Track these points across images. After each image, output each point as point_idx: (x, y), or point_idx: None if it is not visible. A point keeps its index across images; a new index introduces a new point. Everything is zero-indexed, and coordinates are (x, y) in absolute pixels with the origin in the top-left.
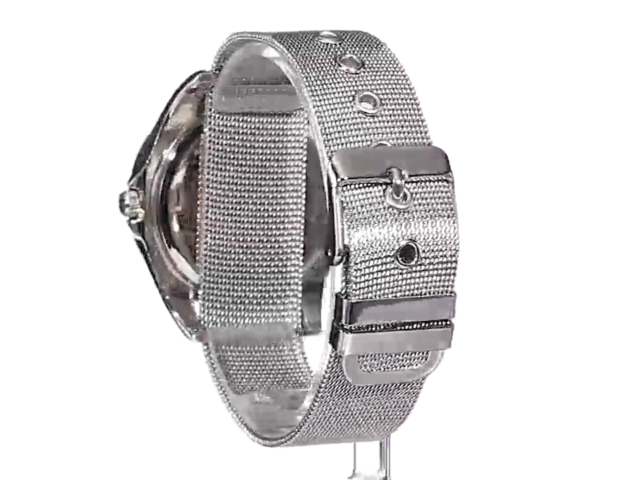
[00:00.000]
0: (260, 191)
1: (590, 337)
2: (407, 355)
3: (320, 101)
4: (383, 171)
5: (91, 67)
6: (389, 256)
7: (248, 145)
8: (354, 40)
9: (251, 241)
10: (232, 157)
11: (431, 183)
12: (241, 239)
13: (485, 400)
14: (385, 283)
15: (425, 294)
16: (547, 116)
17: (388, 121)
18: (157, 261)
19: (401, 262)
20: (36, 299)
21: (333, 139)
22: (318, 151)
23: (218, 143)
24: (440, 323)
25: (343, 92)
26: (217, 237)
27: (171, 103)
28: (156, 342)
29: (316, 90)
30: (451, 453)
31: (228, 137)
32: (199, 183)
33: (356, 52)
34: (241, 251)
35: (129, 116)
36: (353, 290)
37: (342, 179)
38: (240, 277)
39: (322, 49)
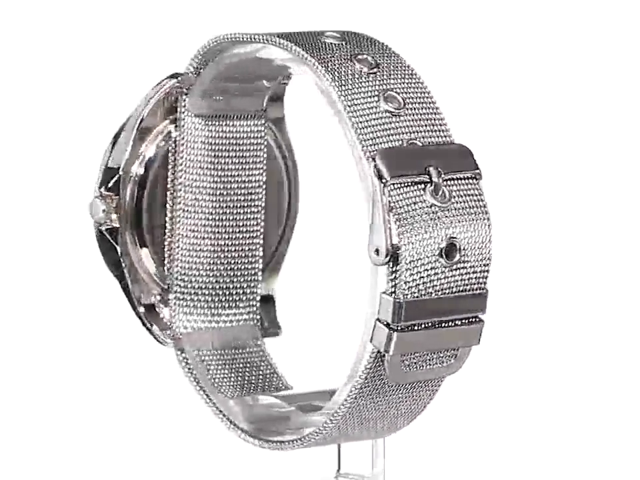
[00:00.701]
0: (232, 194)
1: (589, 337)
2: (441, 352)
3: (349, 101)
4: (422, 169)
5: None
6: (434, 255)
7: (222, 148)
8: (358, 40)
9: (224, 244)
10: (207, 160)
11: (464, 181)
12: (215, 243)
13: (480, 400)
14: (430, 281)
15: (464, 291)
16: (546, 114)
17: (413, 120)
18: (129, 267)
19: (445, 260)
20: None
21: (368, 140)
22: (352, 152)
23: (193, 147)
24: (474, 319)
25: (368, 92)
26: (192, 241)
27: (147, 104)
28: (130, 350)
29: (343, 90)
30: (446, 452)
31: (203, 140)
32: (170, 186)
33: (368, 52)
34: (214, 255)
35: (90, 120)
36: (402, 289)
37: (387, 180)
38: (210, 280)
39: (333, 49)
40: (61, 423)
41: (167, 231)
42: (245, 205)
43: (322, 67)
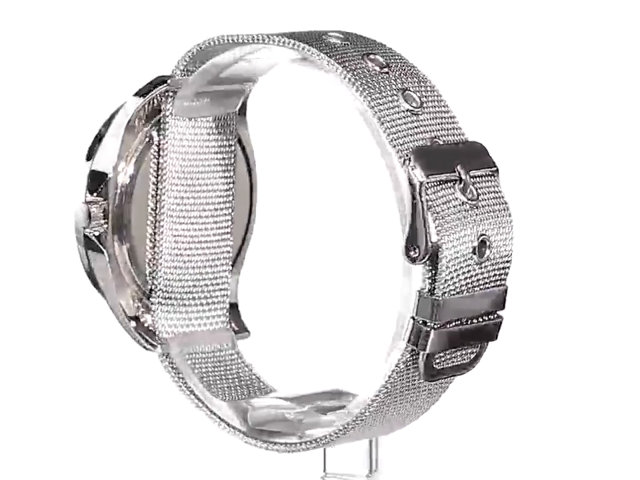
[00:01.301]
0: (212, 198)
1: (589, 338)
2: (467, 348)
3: (374, 100)
4: (450, 168)
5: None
6: (469, 252)
7: (203, 150)
8: (362, 41)
9: (204, 247)
10: (190, 163)
11: (487, 178)
12: (197, 247)
13: (476, 399)
14: (465, 279)
15: (489, 288)
16: (540, 109)
17: (432, 119)
18: (117, 274)
19: (477, 257)
20: None
21: (398, 139)
22: (382, 151)
23: (176, 151)
24: (495, 315)
25: (388, 90)
26: (176, 245)
27: (135, 106)
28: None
29: (365, 89)
30: (441, 452)
31: (185, 144)
32: (153, 191)
33: (377, 52)
34: (196, 259)
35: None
36: (442, 288)
37: (424, 179)
38: (191, 284)
39: (343, 48)
40: (59, 426)
41: (149, 235)
42: (220, 208)
43: (340, 65)
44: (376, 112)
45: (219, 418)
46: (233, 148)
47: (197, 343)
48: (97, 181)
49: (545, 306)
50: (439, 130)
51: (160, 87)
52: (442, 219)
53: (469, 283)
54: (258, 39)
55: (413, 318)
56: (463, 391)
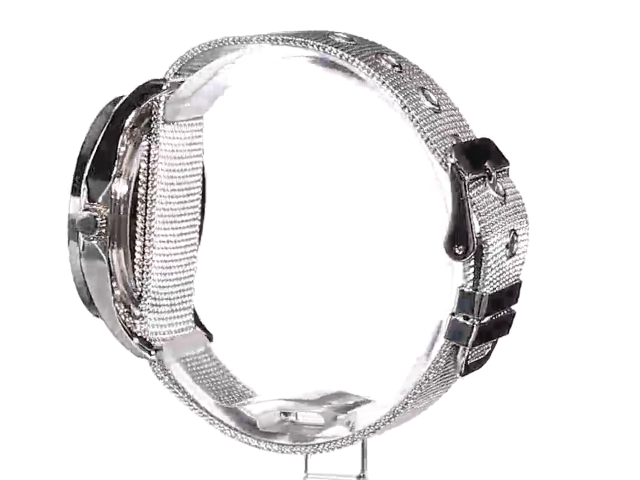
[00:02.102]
0: (191, 202)
1: (589, 338)
2: (487, 343)
3: (405, 97)
4: (481, 164)
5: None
6: (504, 248)
7: (186, 154)
8: (368, 41)
9: (186, 251)
10: (177, 167)
11: (505, 173)
12: (180, 251)
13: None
14: (502, 274)
15: (512, 282)
16: (536, 110)
17: (449, 117)
18: (116, 282)
19: (508, 252)
20: None
21: (433, 135)
22: (422, 146)
23: (166, 155)
24: (511, 310)
25: (411, 88)
26: (165, 252)
27: (129, 111)
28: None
29: (391, 87)
30: (429, 453)
31: (173, 148)
32: (141, 195)
33: (384, 51)
34: (178, 263)
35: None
36: (484, 284)
37: (468, 176)
38: (174, 289)
39: (357, 46)
40: (59, 427)
41: (139, 240)
42: (196, 210)
43: (364, 63)
44: (409, 108)
45: (219, 421)
46: (199, 151)
47: (184, 347)
48: (98, 188)
49: (545, 306)
50: (456, 127)
51: (158, 92)
52: (484, 215)
53: (502, 278)
54: (273, 40)
55: (452, 314)
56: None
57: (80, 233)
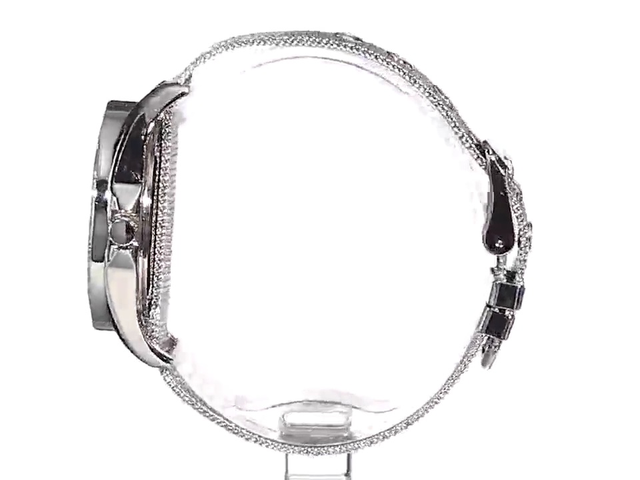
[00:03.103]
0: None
1: (588, 337)
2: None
3: (435, 93)
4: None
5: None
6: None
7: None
8: (371, 44)
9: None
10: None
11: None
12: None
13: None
14: (526, 267)
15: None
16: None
17: (459, 114)
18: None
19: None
20: None
21: (466, 129)
22: (462, 140)
23: (174, 159)
24: None
25: (429, 85)
26: (169, 253)
27: (150, 112)
28: None
29: (423, 83)
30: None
31: (180, 149)
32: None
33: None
34: (171, 263)
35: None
36: (522, 277)
37: (510, 168)
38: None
39: (365, 45)
40: (58, 426)
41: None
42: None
43: (387, 63)
44: (444, 104)
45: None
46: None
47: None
48: (130, 195)
49: (545, 306)
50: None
51: (174, 89)
52: (520, 209)
53: (525, 270)
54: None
55: (489, 306)
56: None
57: (111, 243)
